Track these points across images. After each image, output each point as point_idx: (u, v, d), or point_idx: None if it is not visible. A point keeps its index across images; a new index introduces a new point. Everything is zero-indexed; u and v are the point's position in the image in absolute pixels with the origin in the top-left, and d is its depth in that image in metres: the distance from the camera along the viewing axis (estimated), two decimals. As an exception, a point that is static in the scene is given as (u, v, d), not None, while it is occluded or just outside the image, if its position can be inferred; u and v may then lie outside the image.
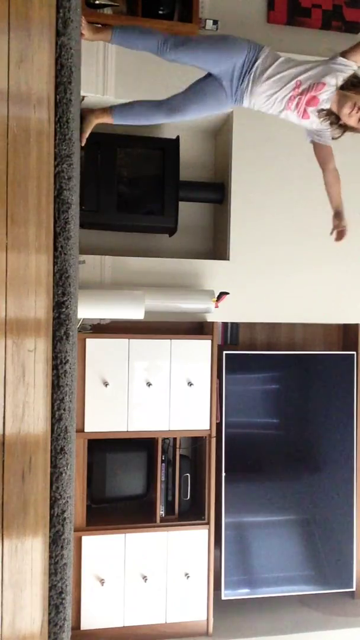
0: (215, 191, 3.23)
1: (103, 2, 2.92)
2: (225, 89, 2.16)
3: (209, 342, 3.07)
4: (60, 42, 1.11)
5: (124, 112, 2.26)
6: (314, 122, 2.14)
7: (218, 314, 3.04)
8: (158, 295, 2.86)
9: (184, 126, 3.26)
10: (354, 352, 3.41)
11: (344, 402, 3.42)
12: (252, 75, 2.10)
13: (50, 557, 1.13)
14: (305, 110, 2.10)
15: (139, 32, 2.20)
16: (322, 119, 2.12)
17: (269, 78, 2.09)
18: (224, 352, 3.21)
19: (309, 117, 2.12)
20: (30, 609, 0.88)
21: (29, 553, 0.86)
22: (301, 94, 2.08)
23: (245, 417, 3.37)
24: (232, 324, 3.41)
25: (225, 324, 3.40)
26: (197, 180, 3.32)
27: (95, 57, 2.85)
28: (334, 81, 2.05)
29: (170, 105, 2.21)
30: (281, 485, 3.40)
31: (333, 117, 2.10)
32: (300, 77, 2.07)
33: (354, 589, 3.40)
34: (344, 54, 2.09)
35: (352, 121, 2.07)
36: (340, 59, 2.08)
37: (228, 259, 3.11)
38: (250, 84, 2.11)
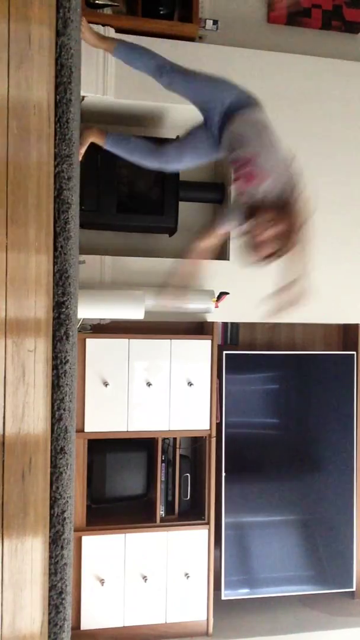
0: (215, 191, 3.23)
1: (103, 2, 2.92)
2: (215, 136, 2.11)
3: (209, 342, 3.07)
4: (60, 42, 1.11)
5: (118, 142, 2.26)
6: (233, 192, 2.11)
7: (218, 314, 3.04)
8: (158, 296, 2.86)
9: (184, 126, 3.25)
10: (354, 352, 3.41)
11: (344, 402, 3.42)
12: (234, 115, 2.02)
13: (50, 557, 1.13)
14: (236, 177, 1.93)
15: (141, 53, 2.20)
16: (239, 205, 1.91)
17: (241, 127, 1.98)
18: (224, 352, 3.21)
19: (232, 184, 2.09)
20: (30, 609, 0.88)
21: (29, 553, 0.86)
22: (247, 164, 1.86)
23: (245, 417, 3.37)
24: (232, 324, 3.41)
25: (225, 324, 3.40)
26: (197, 180, 3.32)
27: (95, 57, 2.85)
28: (280, 186, 1.84)
29: (166, 157, 2.20)
30: (281, 485, 3.40)
31: (249, 213, 1.86)
32: (263, 154, 1.88)
33: (354, 589, 3.40)
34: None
35: (259, 238, 1.84)
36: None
37: (228, 259, 3.11)
38: (227, 121, 2.04)
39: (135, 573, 3.00)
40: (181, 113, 3.09)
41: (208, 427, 3.07)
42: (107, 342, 2.97)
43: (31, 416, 0.86)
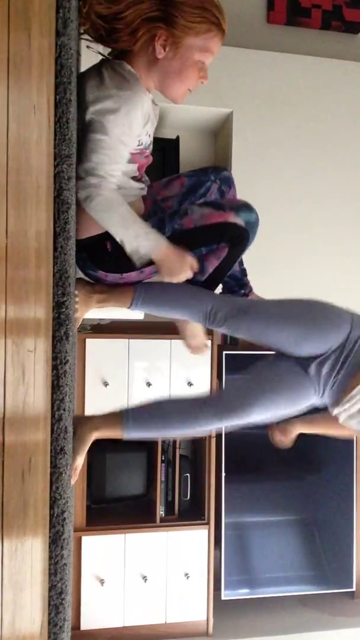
0: (215, 191, 3.23)
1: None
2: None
3: (209, 342, 3.07)
4: (60, 42, 1.11)
5: (141, 421, 1.59)
6: None
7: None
8: (158, 295, 2.86)
9: (184, 126, 3.26)
10: (354, 352, 3.41)
11: (344, 402, 3.42)
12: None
13: (50, 557, 1.13)
14: None
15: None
16: None
17: None
18: (224, 352, 3.20)
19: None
20: (30, 609, 0.88)
21: (29, 553, 0.86)
22: None
23: (245, 417, 3.37)
24: (232, 324, 3.41)
25: (225, 324, 3.39)
26: (197, 180, 3.31)
27: (95, 57, 2.85)
28: None
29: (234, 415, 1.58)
30: (281, 485, 3.40)
31: None
32: None
33: (354, 589, 3.39)
34: None
35: None
36: None
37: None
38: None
39: (135, 573, 3.00)
40: (181, 113, 3.10)
41: (208, 427, 3.06)
42: (107, 342, 2.97)
43: (31, 416, 0.86)
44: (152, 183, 1.69)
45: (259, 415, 1.59)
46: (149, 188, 1.67)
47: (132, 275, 1.61)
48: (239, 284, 1.84)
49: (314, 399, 1.63)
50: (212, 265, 1.62)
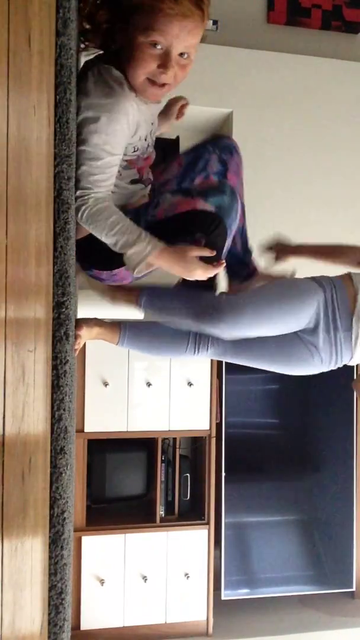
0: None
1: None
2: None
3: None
4: (60, 42, 1.11)
5: (137, 336, 1.82)
6: None
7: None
8: (158, 295, 2.86)
9: (183, 126, 3.25)
10: (354, 352, 3.41)
11: (344, 401, 3.42)
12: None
13: (50, 557, 1.13)
14: None
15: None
16: None
17: None
18: (224, 352, 3.21)
19: None
20: (30, 609, 0.88)
21: (29, 553, 0.86)
22: None
23: (245, 417, 3.37)
24: (232, 324, 3.41)
25: (225, 324, 3.40)
26: (197, 180, 3.31)
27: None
28: None
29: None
30: (281, 485, 3.40)
31: None
32: None
33: (354, 589, 3.39)
34: None
35: None
36: None
37: (228, 259, 3.11)
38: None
39: (135, 573, 3.00)
40: (181, 113, 3.09)
41: (208, 427, 3.07)
42: (107, 342, 2.96)
43: (31, 416, 0.86)
44: (153, 171, 1.61)
45: (226, 328, 1.63)
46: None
47: (122, 272, 1.55)
48: (239, 264, 1.75)
49: (315, 366, 1.78)
50: None
